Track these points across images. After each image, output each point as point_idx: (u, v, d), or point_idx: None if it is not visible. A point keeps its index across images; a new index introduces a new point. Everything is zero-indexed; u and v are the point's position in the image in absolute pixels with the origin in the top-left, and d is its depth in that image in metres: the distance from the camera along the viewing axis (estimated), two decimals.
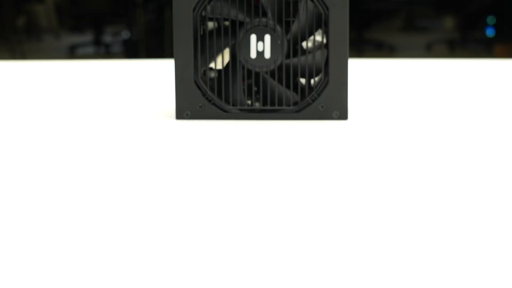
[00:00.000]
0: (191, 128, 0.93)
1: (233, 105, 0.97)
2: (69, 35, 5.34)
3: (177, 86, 0.97)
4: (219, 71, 0.97)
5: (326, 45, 0.95)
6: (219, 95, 0.97)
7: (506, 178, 0.70)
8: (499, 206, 0.62)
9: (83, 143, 0.86)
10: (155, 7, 4.66)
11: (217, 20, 0.97)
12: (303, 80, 0.98)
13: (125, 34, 4.97)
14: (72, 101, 1.15)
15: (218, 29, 0.97)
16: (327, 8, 0.94)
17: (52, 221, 0.59)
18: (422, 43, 4.87)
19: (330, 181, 0.70)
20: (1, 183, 0.70)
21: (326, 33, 0.95)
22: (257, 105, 0.98)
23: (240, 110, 0.97)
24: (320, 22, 0.95)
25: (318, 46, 0.96)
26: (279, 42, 0.95)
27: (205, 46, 0.96)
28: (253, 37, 0.95)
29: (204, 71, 0.98)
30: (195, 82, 0.97)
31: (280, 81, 0.97)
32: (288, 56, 0.96)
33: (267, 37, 0.95)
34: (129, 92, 1.23)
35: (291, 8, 0.95)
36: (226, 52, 0.97)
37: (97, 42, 5.06)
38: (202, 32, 0.97)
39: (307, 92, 0.97)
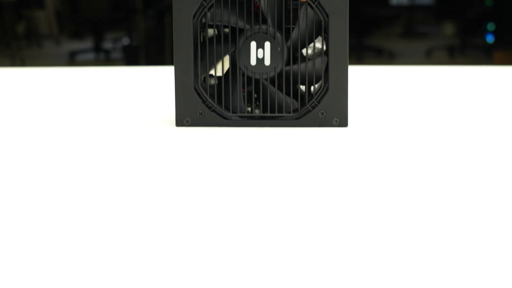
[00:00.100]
0: (191, 135, 0.93)
1: (233, 112, 0.97)
2: (69, 42, 5.34)
3: (177, 93, 0.97)
4: (219, 78, 0.97)
5: (326, 52, 0.95)
6: (219, 102, 0.97)
7: (506, 185, 0.70)
8: (498, 214, 0.62)
9: (83, 150, 0.86)
10: (155, 13, 4.67)
11: (217, 27, 0.97)
12: (303, 87, 0.98)
13: (125, 41, 4.98)
14: (72, 108, 1.15)
15: (218, 36, 0.97)
16: (327, 15, 0.94)
17: (51, 227, 0.59)
18: (422, 49, 4.87)
19: (330, 188, 0.69)
20: (1, 189, 0.70)
21: (326, 40, 0.95)
22: (257, 112, 0.98)
23: (240, 117, 0.97)
24: (320, 29, 0.95)
25: (318, 53, 0.96)
26: (279, 49, 0.95)
27: (205, 53, 0.96)
28: (253, 44, 0.95)
29: (204, 78, 0.98)
30: (195, 89, 0.97)
31: (280, 88, 0.97)
32: (288, 63, 0.96)
33: (267, 44, 0.95)
34: (129, 99, 1.23)
35: (291, 15, 0.95)
36: (226, 59, 0.97)
37: (97, 48, 5.06)
38: (202, 39, 0.97)
39: (307, 99, 0.97)
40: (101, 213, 0.63)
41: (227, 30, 0.97)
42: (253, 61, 0.95)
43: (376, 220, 0.60)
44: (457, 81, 1.41)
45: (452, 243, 0.55)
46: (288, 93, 0.97)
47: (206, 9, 0.95)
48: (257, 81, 0.96)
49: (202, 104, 0.97)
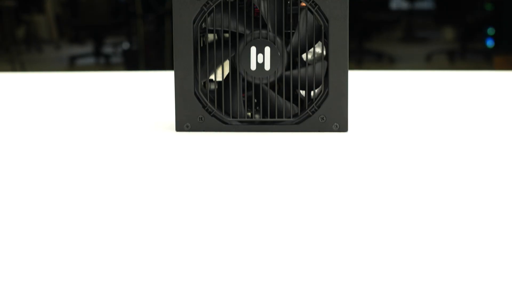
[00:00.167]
0: (191, 140, 0.93)
1: (233, 117, 0.97)
2: (69, 46, 5.34)
3: (177, 98, 0.97)
4: (219, 83, 0.97)
5: (326, 57, 0.95)
6: (219, 107, 0.97)
7: (506, 190, 0.70)
8: (497, 219, 0.62)
9: (83, 155, 0.86)
10: (154, 18, 4.67)
11: (217, 32, 0.97)
12: (303, 92, 0.98)
13: (125, 45, 4.98)
14: (72, 113, 1.15)
15: (218, 41, 0.97)
16: (327, 20, 0.94)
17: (51, 232, 0.58)
18: (422, 54, 4.88)
19: (330, 193, 0.69)
20: (2, 193, 0.70)
21: (326, 45, 0.95)
22: (257, 117, 0.97)
23: (240, 122, 0.97)
24: (320, 34, 0.95)
25: (318, 58, 0.96)
26: (279, 54, 0.95)
27: (205, 58, 0.96)
28: (253, 49, 0.95)
29: (204, 83, 0.98)
30: (195, 94, 0.97)
31: (280, 93, 0.97)
32: (288, 68, 0.96)
33: (267, 49, 0.95)
34: (129, 104, 1.23)
35: (291, 20, 0.95)
36: (226, 64, 0.97)
37: (97, 53, 5.07)
38: (202, 44, 0.97)
39: (307, 104, 0.97)
40: (101, 218, 0.63)
41: (227, 35, 0.97)
42: (253, 66, 0.95)
43: (375, 225, 0.60)
44: (457, 86, 1.41)
45: (450, 249, 0.54)
46: (288, 98, 0.96)
47: (206, 14, 0.95)
48: (257, 86, 0.96)
49: (202, 109, 0.97)
